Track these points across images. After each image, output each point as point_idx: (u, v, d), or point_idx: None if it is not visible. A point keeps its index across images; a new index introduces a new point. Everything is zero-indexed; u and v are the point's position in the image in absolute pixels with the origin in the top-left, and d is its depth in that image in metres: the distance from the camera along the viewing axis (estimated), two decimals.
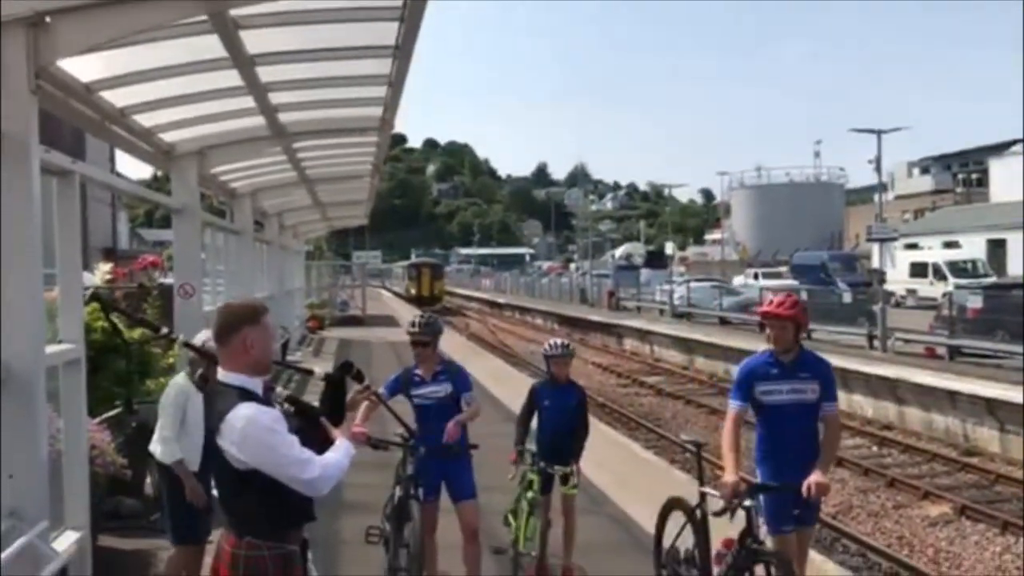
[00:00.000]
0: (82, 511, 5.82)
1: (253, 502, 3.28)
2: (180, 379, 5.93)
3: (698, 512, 5.67)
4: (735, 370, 5.66)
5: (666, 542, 6.03)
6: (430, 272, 56.25)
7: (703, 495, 5.63)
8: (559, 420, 6.50)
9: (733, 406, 5.40)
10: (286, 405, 3.50)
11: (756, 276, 43.71)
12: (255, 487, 3.24)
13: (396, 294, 63.57)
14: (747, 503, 5.04)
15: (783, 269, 45.06)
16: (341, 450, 3.46)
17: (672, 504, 6.10)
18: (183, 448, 5.70)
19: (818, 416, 5.32)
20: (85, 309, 7.56)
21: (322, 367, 3.82)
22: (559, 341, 6.81)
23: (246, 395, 3.28)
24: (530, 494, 6.33)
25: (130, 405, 7.50)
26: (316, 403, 3.68)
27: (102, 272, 10.62)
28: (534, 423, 6.61)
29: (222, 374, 3.36)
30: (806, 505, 5.18)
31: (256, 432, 3.18)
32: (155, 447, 5.89)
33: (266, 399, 3.38)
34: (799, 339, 5.38)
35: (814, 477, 5.00)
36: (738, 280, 43.86)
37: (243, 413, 3.20)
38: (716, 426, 19.08)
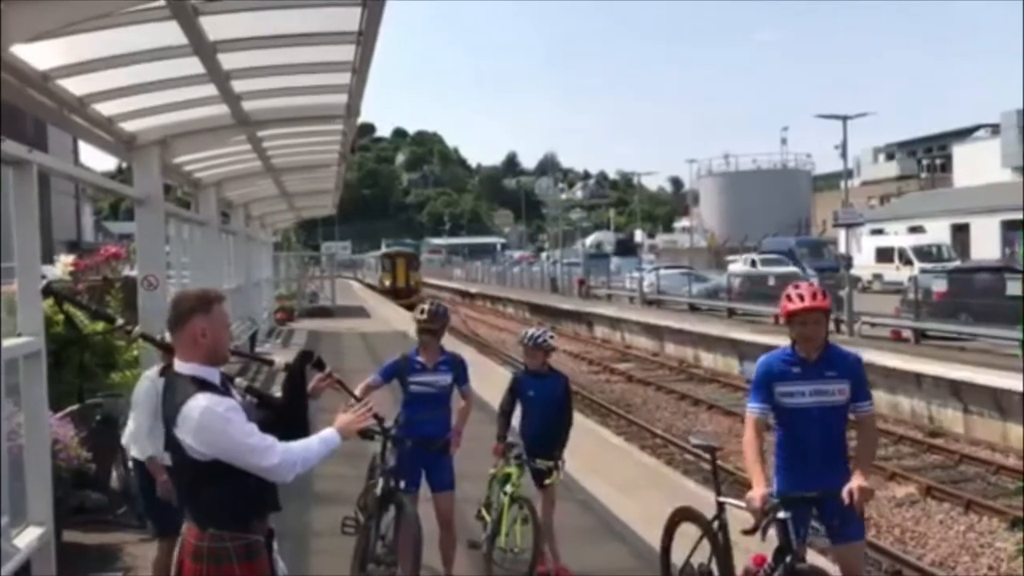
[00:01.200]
0: (44, 506, 5.74)
1: (214, 493, 3.25)
2: (152, 372, 5.79)
3: (716, 525, 5.08)
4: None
5: (675, 557, 5.49)
6: (405, 262, 51.79)
7: (721, 506, 5.09)
8: (544, 411, 6.30)
9: (752, 410, 4.70)
10: (247, 396, 3.46)
11: (754, 263, 38.70)
12: (215, 478, 3.21)
13: (369, 286, 59.24)
14: (781, 515, 4.42)
15: (772, 255, 40.16)
16: (319, 440, 3.43)
17: (681, 516, 5.49)
18: (157, 442, 5.58)
19: (846, 419, 4.67)
20: (46, 302, 7.46)
21: (284, 358, 3.78)
22: (534, 331, 6.51)
23: (202, 385, 3.24)
24: (509, 487, 6.17)
25: (81, 396, 7.39)
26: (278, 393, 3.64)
27: (64, 264, 10.44)
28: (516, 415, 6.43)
29: (178, 364, 3.32)
30: (846, 515, 4.50)
31: (212, 421, 3.15)
32: (127, 442, 5.80)
33: (225, 390, 3.34)
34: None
35: (855, 481, 4.39)
36: (735, 267, 39.16)
37: (198, 403, 3.16)
38: (685, 411, 19.28)
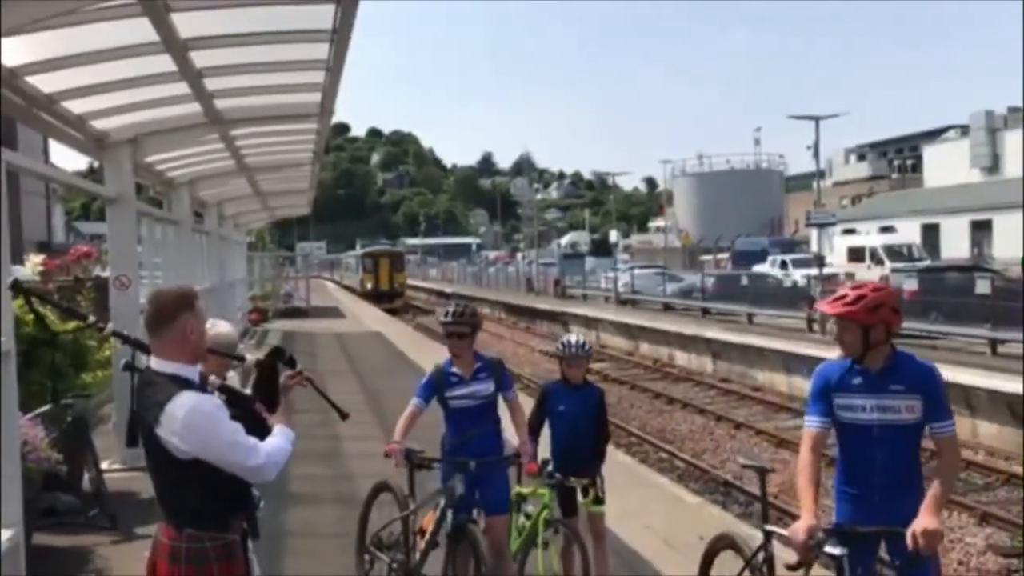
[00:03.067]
0: (14, 508, 5.66)
1: (194, 493, 3.20)
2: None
3: (761, 557, 4.46)
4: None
5: None
6: (389, 262, 47.06)
7: (768, 535, 4.50)
8: (575, 426, 5.63)
9: (811, 424, 4.04)
10: (218, 394, 3.42)
11: (784, 264, 34.96)
12: (196, 477, 3.16)
13: (348, 288, 55.06)
14: (834, 551, 3.75)
15: (787, 258, 36.39)
16: (282, 435, 3.40)
17: (722, 544, 4.84)
18: None
19: (919, 441, 3.98)
20: (15, 302, 7.36)
21: (256, 355, 3.73)
22: (574, 338, 5.83)
23: (184, 384, 3.19)
24: (546, 512, 5.41)
25: (56, 397, 7.30)
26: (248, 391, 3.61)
27: (33, 264, 10.31)
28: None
29: (156, 363, 3.25)
30: (914, 559, 3.77)
31: (200, 420, 3.10)
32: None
33: (203, 388, 3.31)
34: (890, 339, 3.98)
35: (921, 522, 3.68)
36: (762, 268, 34.84)
37: (185, 401, 3.11)
38: (660, 410, 19.37)
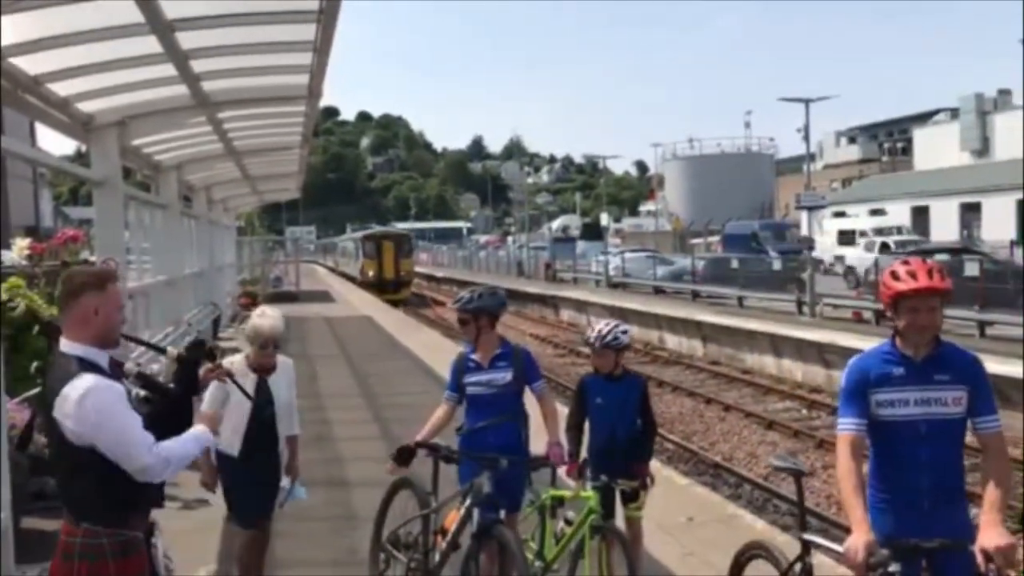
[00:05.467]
0: (2, 493, 5.64)
1: (90, 483, 3.07)
2: (236, 360, 5.16)
3: (798, 568, 4.03)
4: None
5: None
6: (395, 247, 40.93)
7: (807, 546, 4.06)
8: (615, 421, 5.29)
9: (845, 427, 3.55)
10: (135, 390, 3.34)
11: (887, 247, 30.86)
12: (92, 466, 3.03)
13: (344, 275, 48.90)
14: (892, 568, 3.30)
15: (888, 240, 33.25)
16: (192, 440, 3.28)
17: (753, 551, 4.44)
18: (221, 431, 4.77)
19: (963, 439, 3.56)
20: (3, 286, 7.32)
21: (177, 348, 3.64)
22: (603, 328, 5.42)
23: (88, 366, 3.07)
24: (593, 518, 4.97)
25: (43, 375, 7.25)
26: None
27: (20, 248, 10.23)
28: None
29: (64, 344, 3.14)
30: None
31: (95, 403, 2.98)
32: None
33: (115, 376, 3.18)
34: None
35: (992, 537, 3.21)
36: (855, 253, 32.57)
37: (83, 384, 3.00)
38: (651, 392, 19.34)
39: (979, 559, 3.21)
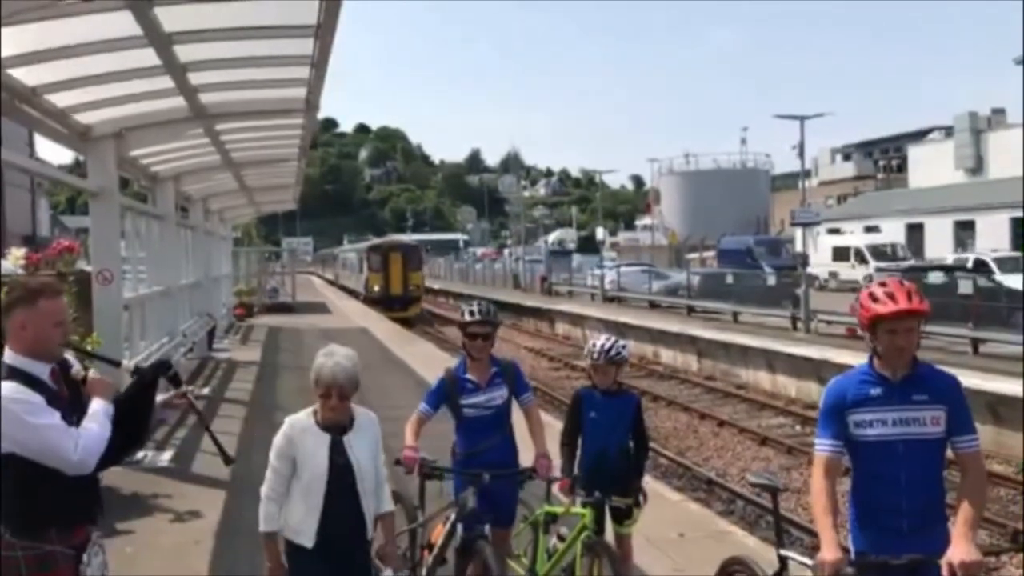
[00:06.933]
0: None
1: (10, 494, 3.00)
2: (300, 418, 4.04)
3: None
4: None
5: None
6: (403, 259, 37.02)
7: (784, 561, 4.17)
8: (608, 436, 5.25)
9: (821, 449, 3.61)
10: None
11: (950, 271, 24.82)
12: (10, 476, 2.98)
13: (345, 289, 45.88)
14: None
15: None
16: (94, 419, 3.15)
17: (734, 567, 4.55)
18: (291, 511, 3.99)
19: (943, 458, 3.61)
20: None
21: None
22: (604, 343, 5.34)
23: (20, 376, 3.06)
24: (585, 535, 4.94)
25: None
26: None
27: (15, 257, 10.24)
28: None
29: (7, 354, 3.16)
30: None
31: (8, 409, 2.96)
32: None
33: (55, 385, 3.17)
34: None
35: (959, 552, 3.30)
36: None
37: None
38: (645, 407, 19.22)
39: (944, 572, 3.28)
